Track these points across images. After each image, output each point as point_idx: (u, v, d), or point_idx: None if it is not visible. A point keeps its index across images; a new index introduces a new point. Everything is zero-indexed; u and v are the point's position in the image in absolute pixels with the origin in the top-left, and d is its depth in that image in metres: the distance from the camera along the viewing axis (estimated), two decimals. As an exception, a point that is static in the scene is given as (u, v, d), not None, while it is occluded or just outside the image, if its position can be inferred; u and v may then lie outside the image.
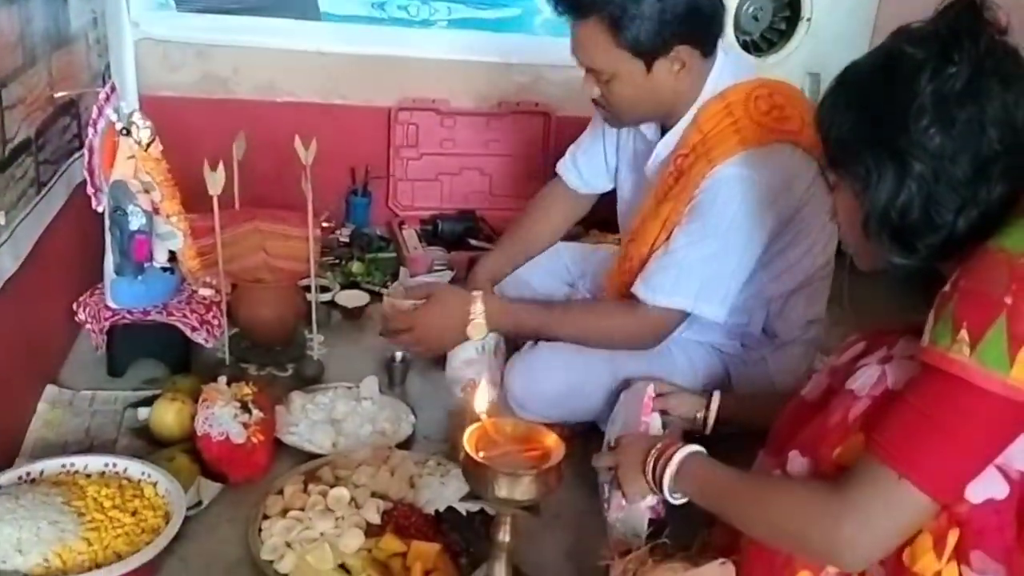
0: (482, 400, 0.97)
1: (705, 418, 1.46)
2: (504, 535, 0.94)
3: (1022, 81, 0.94)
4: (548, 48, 2.71)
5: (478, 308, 1.61)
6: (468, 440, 0.91)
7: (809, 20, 2.41)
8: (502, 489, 0.87)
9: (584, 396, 1.61)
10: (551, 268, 1.98)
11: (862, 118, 0.98)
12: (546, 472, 0.89)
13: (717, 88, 1.54)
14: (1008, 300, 0.86)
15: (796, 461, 1.07)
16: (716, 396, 1.49)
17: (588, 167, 1.88)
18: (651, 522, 1.30)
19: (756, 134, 1.48)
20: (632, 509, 1.30)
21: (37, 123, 1.62)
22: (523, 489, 0.87)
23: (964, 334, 0.87)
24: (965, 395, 0.88)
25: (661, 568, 1.16)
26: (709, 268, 1.50)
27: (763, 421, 1.26)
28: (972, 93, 0.92)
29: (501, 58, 2.70)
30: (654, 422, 1.42)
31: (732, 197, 1.47)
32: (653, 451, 1.20)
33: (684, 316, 1.56)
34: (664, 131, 1.61)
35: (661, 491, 1.18)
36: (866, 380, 1.05)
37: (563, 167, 1.93)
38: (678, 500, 1.19)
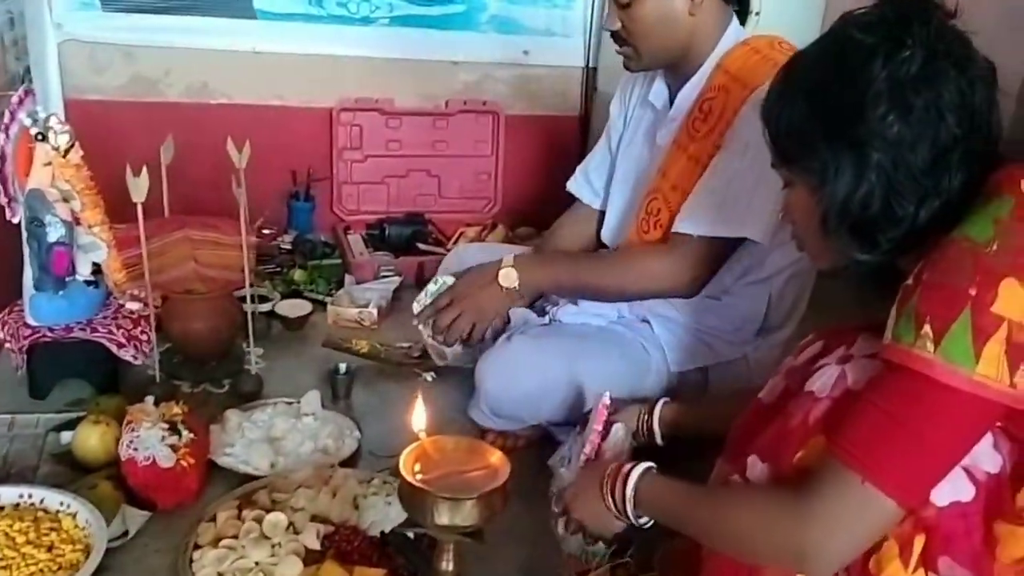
0: (420, 418, 0.89)
1: (649, 427, 1.39)
2: (447, 564, 0.87)
3: (975, 65, 0.90)
4: (495, 45, 2.66)
5: (508, 259, 1.60)
6: (405, 462, 0.83)
7: (758, 15, 2.38)
8: (442, 516, 0.80)
9: (550, 395, 1.56)
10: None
11: (815, 109, 0.93)
12: (489, 495, 0.81)
13: (736, 39, 1.58)
14: (973, 291, 0.82)
15: (756, 467, 1.02)
16: (660, 404, 1.42)
17: (600, 180, 1.87)
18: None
19: None
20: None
21: (-58, 130, 1.51)
22: (465, 514, 0.80)
23: (928, 329, 0.83)
24: (930, 393, 0.84)
25: (619, 587, 1.10)
26: (753, 191, 1.44)
27: (718, 427, 1.20)
28: (927, 78, 0.88)
29: (446, 56, 2.64)
30: (615, 432, 1.35)
31: None
32: (606, 481, 1.13)
33: (724, 251, 1.52)
34: (672, 94, 1.64)
35: (627, 518, 1.11)
36: (826, 381, 1.00)
37: (575, 186, 1.91)
38: (647, 524, 1.13)
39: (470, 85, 2.70)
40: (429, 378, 1.89)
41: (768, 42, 1.55)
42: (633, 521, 1.11)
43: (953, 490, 0.88)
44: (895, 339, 0.86)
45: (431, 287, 1.72)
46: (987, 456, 0.89)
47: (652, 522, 1.12)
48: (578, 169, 1.92)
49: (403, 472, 0.82)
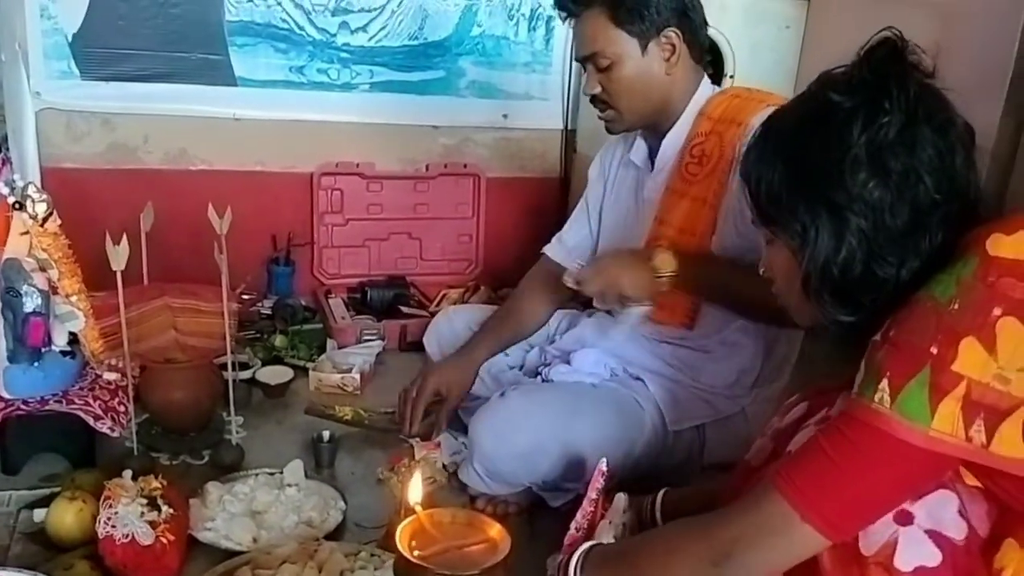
0: (416, 491, 0.86)
1: (652, 515, 1.35)
2: (445, 646, 0.82)
3: (954, 127, 0.92)
4: (474, 109, 2.69)
5: (663, 252, 1.51)
6: (401, 537, 0.80)
7: (732, 77, 2.43)
8: (442, 593, 0.76)
9: (545, 453, 1.52)
10: (490, 368, 1.90)
11: (794, 171, 0.94)
12: (491, 570, 0.78)
13: (712, 91, 1.64)
14: (934, 350, 0.82)
15: None
16: (661, 493, 1.37)
17: (575, 241, 1.89)
18: None
19: (777, 100, 1.51)
20: None
21: (-84, 199, 1.48)
22: (466, 591, 0.77)
23: (885, 384, 0.85)
24: (881, 445, 0.85)
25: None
26: None
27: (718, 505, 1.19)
28: (906, 142, 0.89)
29: (427, 120, 2.66)
30: (618, 501, 1.32)
31: None
32: (559, 564, 1.13)
33: None
34: (652, 150, 1.68)
35: None
36: (801, 441, 1.01)
37: (550, 249, 1.93)
38: None
39: (451, 148, 2.71)
40: (414, 444, 1.85)
41: (744, 88, 1.65)
42: None
43: (915, 555, 0.88)
44: (859, 394, 0.88)
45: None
46: (952, 523, 0.89)
47: None
48: (555, 237, 1.94)
49: (400, 548, 0.79)
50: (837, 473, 0.87)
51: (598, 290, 1.56)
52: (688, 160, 1.61)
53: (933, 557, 0.87)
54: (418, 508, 0.84)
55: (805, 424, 1.04)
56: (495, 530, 0.83)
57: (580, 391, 1.62)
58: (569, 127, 2.78)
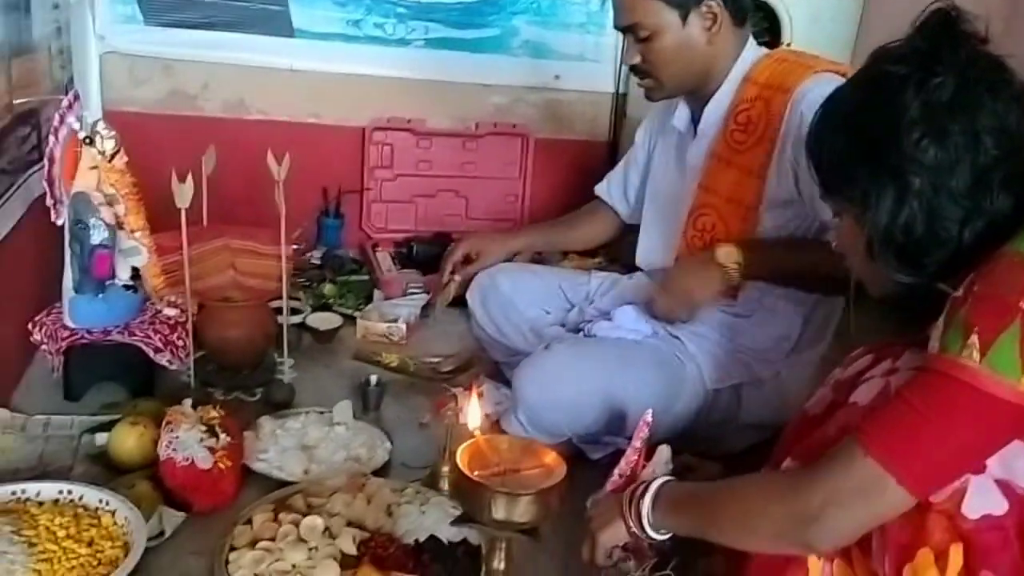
0: (475, 416, 0.89)
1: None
2: (499, 562, 0.86)
3: (1010, 88, 0.92)
4: (527, 69, 2.69)
5: (724, 246, 1.53)
6: (461, 458, 0.83)
7: (789, 44, 2.41)
8: (499, 510, 0.80)
9: (587, 405, 1.55)
10: (542, 290, 1.93)
11: (853, 140, 0.96)
12: (547, 492, 0.81)
13: (757, 55, 1.62)
14: (1023, 304, 0.83)
15: (786, 467, 1.03)
16: (664, 449, 1.34)
17: (619, 191, 1.97)
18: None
19: (824, 65, 1.51)
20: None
21: (-6, 130, 1.54)
22: (522, 510, 0.80)
23: (975, 339, 0.84)
24: (969, 400, 0.85)
25: (661, 600, 1.09)
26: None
27: None
28: (961, 103, 0.90)
29: (479, 79, 2.67)
30: (660, 453, 1.34)
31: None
32: (627, 492, 1.14)
33: None
34: (695, 116, 1.67)
35: (642, 530, 1.11)
36: (868, 391, 1.02)
37: (599, 188, 2.00)
38: (663, 536, 1.12)
39: (501, 108, 2.73)
40: (458, 393, 1.89)
41: (791, 51, 1.63)
42: (652, 536, 1.11)
43: (985, 502, 0.89)
44: (943, 349, 0.88)
45: None
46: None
47: (668, 536, 1.12)
48: (607, 176, 2.00)
49: (460, 466, 0.82)
50: (927, 430, 0.87)
51: (674, 309, 1.60)
52: (733, 127, 1.60)
53: (1000, 506, 0.88)
54: (477, 433, 0.87)
55: (869, 375, 1.05)
56: (551, 457, 0.86)
57: (623, 345, 1.65)
58: (620, 91, 2.78)
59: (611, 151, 2.82)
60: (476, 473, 0.82)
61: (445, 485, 1.48)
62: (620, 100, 2.79)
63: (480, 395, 1.09)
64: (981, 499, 0.88)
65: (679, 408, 1.61)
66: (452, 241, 2.60)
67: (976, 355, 0.84)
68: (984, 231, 0.91)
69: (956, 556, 0.88)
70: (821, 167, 1.01)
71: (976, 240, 0.91)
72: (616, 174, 1.98)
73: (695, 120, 1.69)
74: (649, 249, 1.81)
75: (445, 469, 1.50)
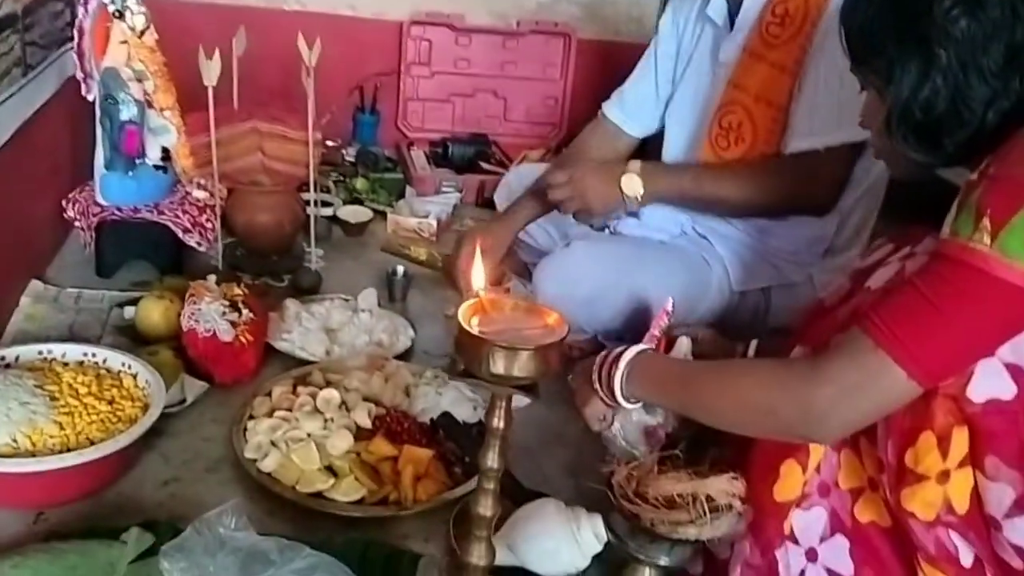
0: (479, 276, 0.88)
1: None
2: (499, 421, 0.86)
3: None
4: (571, -35, 2.59)
5: (634, 166, 1.54)
6: (463, 314, 0.82)
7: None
8: (498, 364, 0.78)
9: (607, 301, 1.53)
10: (556, 222, 1.89)
11: (885, 6, 0.91)
12: (546, 348, 0.80)
13: None
14: None
15: (795, 355, 1.00)
16: (684, 341, 1.31)
17: (636, 100, 1.80)
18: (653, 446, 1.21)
19: None
20: (627, 426, 1.22)
21: (24, 0, 1.53)
22: (521, 365, 0.78)
23: (986, 222, 0.80)
24: (978, 284, 0.81)
25: (665, 477, 1.08)
26: (855, 84, 1.41)
27: None
28: None
29: (520, -27, 2.59)
30: (680, 345, 1.32)
31: None
32: (598, 360, 1.12)
33: (850, 158, 1.48)
34: (732, 7, 1.58)
35: (614, 400, 1.09)
36: (883, 275, 0.98)
37: (608, 107, 1.85)
38: (633, 406, 1.11)
39: (543, 5, 2.65)
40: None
41: None
42: (622, 403, 1.10)
43: (991, 386, 0.85)
44: (952, 233, 0.84)
45: None
46: None
47: (638, 405, 1.11)
48: (616, 92, 1.85)
49: (461, 321, 0.81)
50: (935, 318, 0.83)
51: (565, 198, 1.58)
52: (770, 20, 1.52)
53: (1008, 391, 0.85)
54: (481, 293, 0.86)
55: (887, 261, 1.02)
56: (553, 317, 0.84)
57: (646, 244, 1.62)
58: (668, -10, 2.66)
59: (657, 54, 2.73)
60: (476, 327, 0.80)
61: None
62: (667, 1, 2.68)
63: (484, 252, 1.07)
64: (988, 383, 0.85)
65: (703, 310, 1.58)
66: (489, 143, 2.60)
67: (987, 239, 0.80)
68: (1009, 112, 0.85)
69: (960, 440, 0.86)
70: (851, 35, 0.96)
71: (999, 123, 0.86)
72: (628, 91, 1.82)
73: (732, 13, 1.60)
74: (673, 149, 1.74)
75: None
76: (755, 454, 1.04)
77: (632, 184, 1.53)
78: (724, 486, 1.07)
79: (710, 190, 1.55)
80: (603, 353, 1.13)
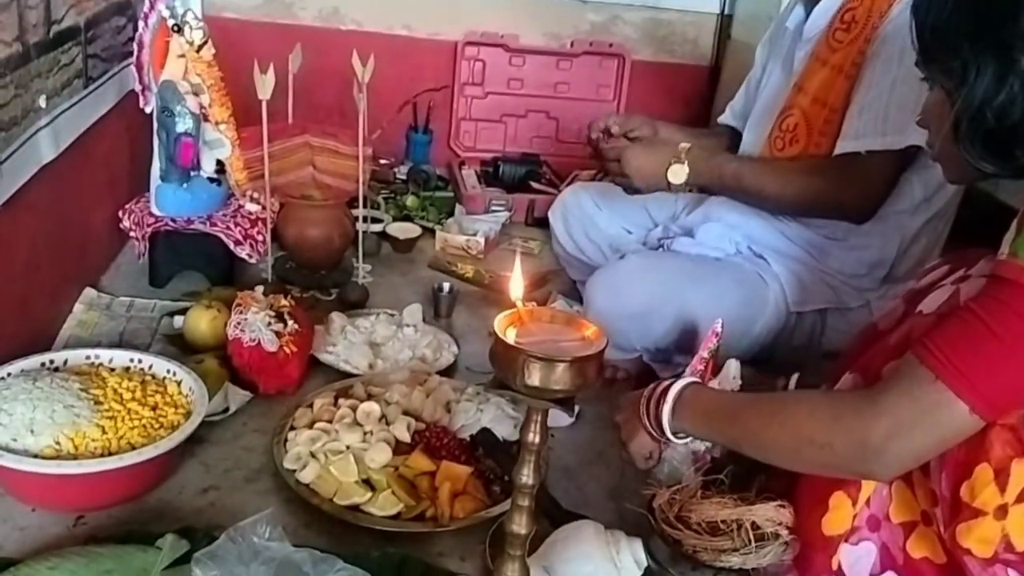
0: (517, 286, 0.86)
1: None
2: (534, 435, 0.84)
3: None
4: (626, -14, 2.59)
5: (683, 149, 1.55)
6: (499, 324, 0.80)
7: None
8: (534, 376, 0.76)
9: (658, 317, 1.50)
10: (625, 209, 1.87)
11: (964, 5, 0.87)
12: (584, 360, 0.77)
13: None
14: None
15: (845, 383, 0.96)
16: (732, 364, 1.31)
17: (741, 109, 1.87)
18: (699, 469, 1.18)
19: None
20: (674, 456, 1.18)
21: (87, 14, 1.58)
22: (557, 377, 0.76)
23: None
24: None
25: (709, 503, 1.05)
26: (906, 91, 1.37)
27: None
28: None
29: (575, -6, 2.59)
30: (728, 367, 1.28)
31: None
32: (645, 393, 1.09)
33: (893, 169, 1.45)
34: (808, 14, 1.59)
35: (662, 433, 1.06)
36: (936, 299, 0.94)
37: (725, 117, 1.91)
38: (682, 441, 1.08)
39: (597, 26, 2.64)
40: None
41: None
42: (669, 438, 1.06)
43: None
44: (1011, 254, 0.80)
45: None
46: None
47: (687, 440, 1.08)
48: (728, 105, 1.91)
49: (497, 331, 0.79)
50: (995, 346, 0.79)
51: (614, 158, 1.61)
52: (837, 26, 1.51)
53: None
54: (519, 303, 0.84)
55: (940, 284, 0.97)
56: (591, 330, 0.82)
57: (701, 261, 1.58)
58: (725, 11, 2.64)
59: (713, 76, 2.70)
60: (512, 337, 0.79)
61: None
62: (725, 21, 2.65)
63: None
64: None
65: (758, 330, 1.54)
66: (540, 162, 2.59)
67: None
68: None
69: (1019, 473, 0.81)
70: (923, 30, 0.92)
71: None
72: (736, 99, 1.89)
73: (806, 21, 1.60)
74: (742, 149, 1.73)
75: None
76: (803, 485, 1.00)
77: (678, 173, 1.55)
78: (771, 514, 1.03)
79: (748, 183, 1.54)
80: (651, 386, 1.10)
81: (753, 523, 1.00)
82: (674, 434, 1.06)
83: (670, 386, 1.06)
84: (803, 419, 0.92)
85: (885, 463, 0.86)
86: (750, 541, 0.99)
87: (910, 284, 1.57)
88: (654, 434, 1.09)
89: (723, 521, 1.01)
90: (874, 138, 1.41)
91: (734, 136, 1.85)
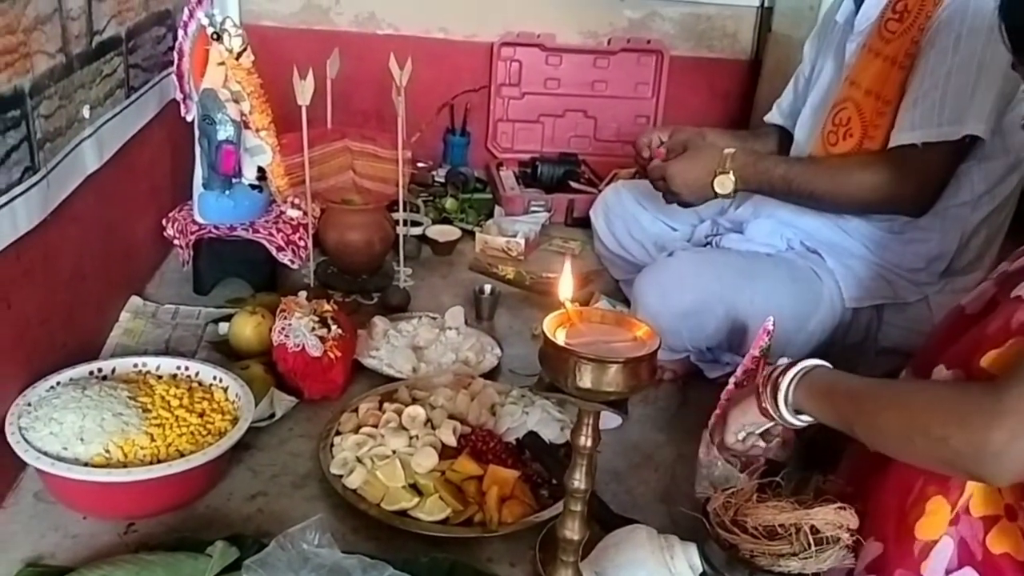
0: (567, 287, 0.84)
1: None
2: (586, 438, 0.82)
3: None
4: (663, -19, 2.56)
5: (728, 158, 1.52)
6: (548, 325, 0.78)
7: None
8: (585, 378, 0.74)
9: (709, 314, 1.47)
10: (668, 208, 1.83)
11: None
12: (637, 361, 0.75)
13: None
14: None
15: (940, 375, 0.91)
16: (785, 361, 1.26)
17: (788, 108, 1.83)
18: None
19: None
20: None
21: (128, 24, 1.59)
22: (609, 379, 0.74)
23: None
24: None
25: (766, 506, 1.02)
26: (974, 85, 1.34)
27: None
28: None
29: (612, -9, 2.56)
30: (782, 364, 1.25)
31: (984, 3, 1.32)
32: (768, 369, 1.05)
33: (949, 160, 1.40)
34: (858, 5, 1.55)
35: (776, 407, 1.02)
36: None
37: (770, 116, 1.87)
38: (799, 422, 1.03)
39: (635, 23, 2.61)
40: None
41: None
42: (785, 415, 1.02)
43: None
44: None
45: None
46: None
47: (803, 423, 1.03)
48: (775, 104, 1.86)
49: (547, 333, 0.78)
50: None
51: (658, 177, 1.57)
52: (889, 16, 1.46)
53: None
54: (568, 304, 0.82)
55: None
56: (643, 330, 0.80)
57: (753, 257, 1.55)
58: (766, 4, 2.59)
59: (754, 70, 2.66)
60: (562, 339, 0.77)
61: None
62: (765, 14, 2.61)
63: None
64: None
65: (813, 326, 1.50)
66: (578, 162, 2.57)
67: None
68: None
69: None
70: (1015, 26, 0.89)
71: None
72: (784, 96, 1.84)
73: (857, 11, 1.56)
74: (794, 147, 1.69)
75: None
76: (895, 486, 0.95)
77: (724, 184, 1.51)
78: (831, 517, 1.00)
79: (799, 185, 1.49)
80: (773, 365, 1.07)
81: (812, 527, 0.97)
82: (790, 410, 1.03)
83: (796, 363, 1.03)
84: (921, 408, 0.88)
85: (1001, 466, 0.80)
86: (809, 545, 0.96)
87: (974, 280, 1.53)
88: (768, 409, 1.05)
89: (781, 525, 0.98)
90: (930, 129, 1.36)
91: (782, 136, 1.81)
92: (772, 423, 1.06)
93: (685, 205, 1.59)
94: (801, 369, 1.01)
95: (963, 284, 1.52)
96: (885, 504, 0.96)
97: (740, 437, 1.11)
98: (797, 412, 1.02)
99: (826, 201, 1.49)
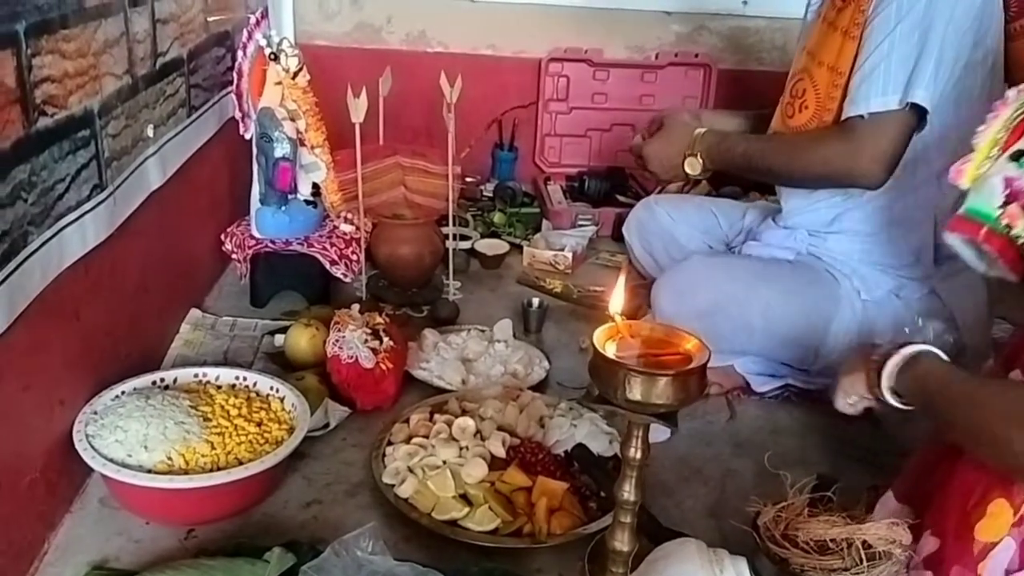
0: (618, 300, 0.86)
1: None
2: (635, 451, 0.83)
3: None
4: (710, -5, 2.56)
5: (699, 138, 1.59)
6: (598, 338, 0.80)
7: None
8: (635, 391, 0.75)
9: (728, 316, 1.48)
10: (701, 223, 1.84)
11: None
12: (686, 374, 0.76)
13: None
14: None
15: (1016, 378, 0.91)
16: None
17: None
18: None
19: None
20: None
21: (190, 45, 1.65)
22: (659, 392, 0.75)
23: None
24: None
25: (817, 520, 1.02)
26: (904, 50, 1.35)
27: None
28: None
29: (658, 5, 2.57)
30: (927, 328, 1.22)
31: None
32: (885, 344, 1.05)
33: (900, 131, 1.39)
34: None
35: (878, 384, 1.02)
36: None
37: None
38: (895, 402, 1.02)
39: (682, 37, 2.62)
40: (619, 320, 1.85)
41: None
42: (884, 394, 1.02)
43: None
44: None
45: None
46: None
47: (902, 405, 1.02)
48: None
49: (596, 346, 0.79)
50: None
51: (636, 155, 1.67)
52: None
53: None
54: (618, 317, 0.84)
55: None
56: (692, 343, 0.81)
57: (769, 262, 1.58)
58: (813, 17, 2.58)
59: (801, 83, 2.64)
60: (612, 352, 0.78)
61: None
62: (813, 27, 2.59)
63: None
64: None
65: (835, 327, 1.51)
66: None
67: None
68: None
69: None
70: None
71: None
72: None
73: None
74: (772, 128, 1.69)
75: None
76: (959, 486, 0.94)
77: (693, 165, 1.59)
78: (883, 532, 0.99)
79: (757, 162, 1.53)
80: (892, 341, 1.07)
81: (864, 542, 0.96)
82: (891, 392, 1.02)
83: (909, 344, 1.02)
84: (995, 411, 0.87)
85: None
86: (861, 560, 0.96)
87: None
88: (872, 385, 1.05)
89: (832, 540, 0.98)
90: (876, 99, 1.37)
91: None
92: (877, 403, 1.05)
93: (665, 183, 1.70)
94: (909, 352, 1.00)
95: (963, 265, 1.50)
96: (947, 502, 0.94)
97: (851, 402, 1.10)
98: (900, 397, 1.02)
99: (783, 176, 1.54)
